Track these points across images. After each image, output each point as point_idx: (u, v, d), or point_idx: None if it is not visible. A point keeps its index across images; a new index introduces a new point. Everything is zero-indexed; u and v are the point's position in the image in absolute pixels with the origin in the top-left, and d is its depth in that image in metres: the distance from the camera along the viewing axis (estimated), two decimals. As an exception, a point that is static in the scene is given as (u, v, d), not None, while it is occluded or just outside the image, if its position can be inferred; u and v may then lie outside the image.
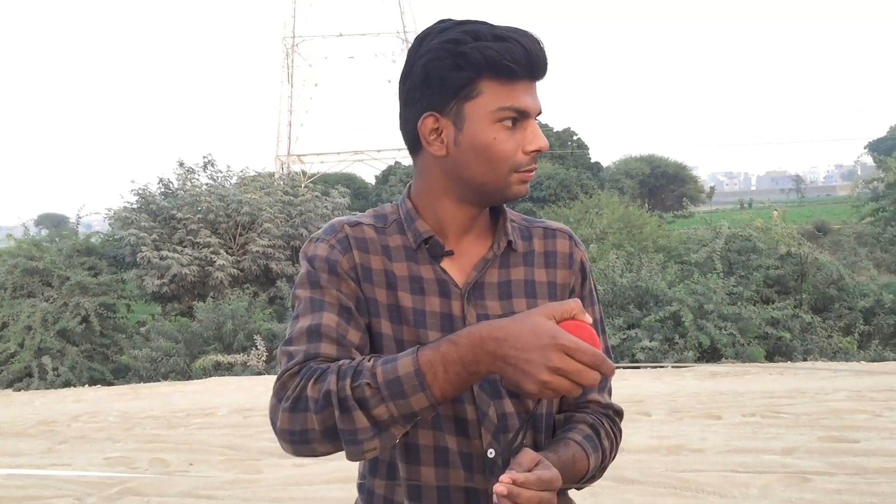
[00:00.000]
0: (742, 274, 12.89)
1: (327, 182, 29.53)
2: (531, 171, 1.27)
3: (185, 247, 17.83)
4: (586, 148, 45.79)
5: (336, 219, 1.36)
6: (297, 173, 25.52)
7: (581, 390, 1.06)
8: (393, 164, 40.46)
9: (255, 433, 6.23)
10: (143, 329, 15.87)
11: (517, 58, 1.20)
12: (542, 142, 1.25)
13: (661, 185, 47.45)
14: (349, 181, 39.42)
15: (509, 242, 1.34)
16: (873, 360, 9.86)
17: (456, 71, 1.21)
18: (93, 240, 18.75)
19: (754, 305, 11.85)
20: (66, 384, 13.58)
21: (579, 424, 1.33)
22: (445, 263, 1.31)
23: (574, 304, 1.09)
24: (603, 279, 12.83)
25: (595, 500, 4.07)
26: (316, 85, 54.62)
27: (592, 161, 44.94)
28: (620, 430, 1.40)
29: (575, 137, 45.80)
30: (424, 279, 1.29)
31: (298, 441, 1.14)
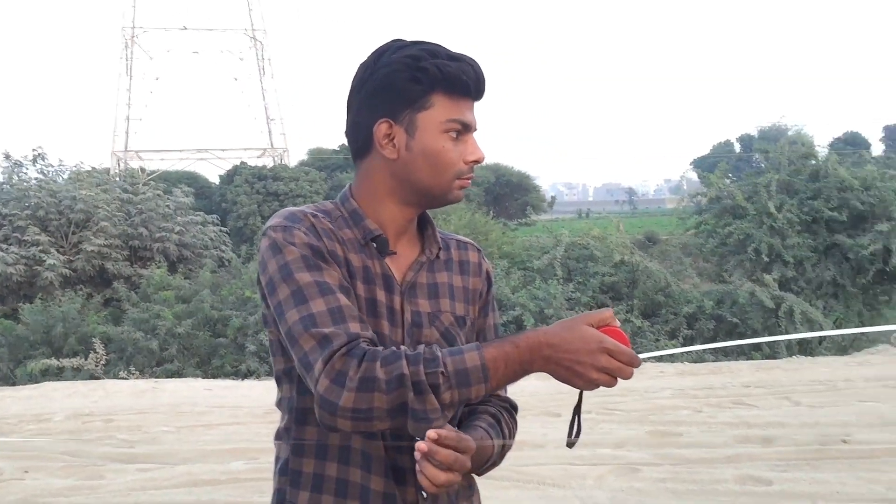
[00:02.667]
0: (580, 280, 13.58)
1: (168, 180, 28.35)
2: (469, 178, 1.43)
3: (10, 244, 16.60)
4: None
5: (291, 208, 1.44)
6: (136, 170, 24.38)
7: (616, 384, 1.25)
8: (238, 163, 39.37)
9: (95, 438, 5.95)
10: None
11: (469, 78, 1.37)
12: (481, 154, 1.42)
13: (506, 193, 48.88)
14: (192, 180, 37.99)
15: (439, 249, 1.50)
16: (695, 362, 10.66)
17: (413, 83, 1.36)
18: None
19: (590, 310, 12.48)
20: None
21: (483, 415, 1.50)
22: (387, 261, 1.44)
23: (608, 312, 1.28)
24: (450, 284, 13.07)
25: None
26: (157, 79, 52.33)
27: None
28: (516, 422, 1.59)
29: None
30: (374, 272, 1.41)
31: (362, 418, 1.23)
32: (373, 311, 1.38)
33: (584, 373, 1.23)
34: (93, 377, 11.41)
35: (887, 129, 74.18)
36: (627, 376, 1.25)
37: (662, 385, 7.72)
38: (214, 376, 11.73)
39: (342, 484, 1.38)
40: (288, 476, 1.42)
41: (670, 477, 4.58)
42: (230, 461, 5.14)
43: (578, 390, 1.31)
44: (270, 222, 1.41)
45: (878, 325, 14.59)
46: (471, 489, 1.51)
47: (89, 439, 5.97)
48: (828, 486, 4.33)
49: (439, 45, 1.39)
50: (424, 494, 1.36)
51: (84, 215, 17.45)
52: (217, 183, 40.74)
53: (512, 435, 1.55)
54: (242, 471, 4.86)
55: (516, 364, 1.25)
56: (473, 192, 42.91)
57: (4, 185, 18.04)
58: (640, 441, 5.40)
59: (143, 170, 23.64)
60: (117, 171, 24.57)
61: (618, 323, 1.28)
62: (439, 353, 1.24)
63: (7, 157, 18.75)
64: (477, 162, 1.42)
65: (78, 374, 11.99)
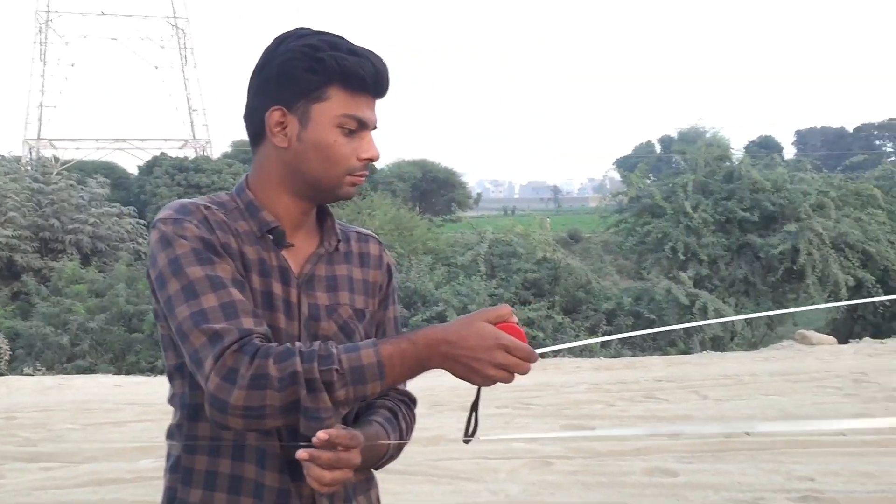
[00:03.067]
0: (503, 277, 13.72)
1: (84, 170, 27.43)
2: (362, 176, 1.40)
3: None
4: (361, 150, 46.08)
5: (182, 200, 1.39)
6: (48, 159, 23.47)
7: (513, 380, 1.25)
8: (159, 154, 38.38)
9: (-6, 438, 5.72)
10: None
11: (367, 73, 1.34)
12: (376, 152, 1.39)
13: (432, 189, 48.98)
14: (109, 170, 36.76)
15: (338, 242, 1.48)
16: (612, 357, 10.90)
17: (310, 74, 1.32)
18: None
19: (513, 306, 12.62)
20: None
21: (380, 409, 1.48)
22: (284, 253, 1.41)
23: (506, 309, 1.27)
24: (373, 279, 13.03)
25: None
26: (73, 65, 50.46)
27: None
28: (415, 416, 1.58)
29: (350, 138, 46.01)
30: (270, 265, 1.38)
31: (254, 416, 1.21)
32: (269, 304, 1.36)
33: (480, 369, 1.23)
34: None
35: (799, 133, 77.29)
36: (524, 371, 1.25)
37: (578, 380, 7.86)
38: (129, 372, 11.42)
39: (236, 480, 1.35)
40: (179, 474, 1.39)
41: (582, 470, 4.67)
42: (138, 459, 5.01)
43: (476, 387, 1.30)
44: (160, 214, 1.37)
45: (787, 322, 15.21)
46: (369, 483, 1.51)
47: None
48: (730, 476, 4.48)
49: (342, 38, 1.35)
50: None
51: (-11, 205, 16.73)
52: (136, 174, 39.60)
53: (410, 429, 1.54)
54: (149, 469, 4.74)
55: (413, 361, 1.25)
56: (399, 188, 42.88)
57: None
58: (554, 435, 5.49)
59: (56, 159, 22.77)
60: (29, 159, 23.56)
61: (515, 319, 1.29)
62: (334, 350, 1.23)
63: None
64: (370, 160, 1.39)
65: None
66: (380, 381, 1.24)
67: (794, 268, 14.36)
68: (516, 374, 1.25)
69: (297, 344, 1.26)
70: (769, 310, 14.86)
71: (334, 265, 1.47)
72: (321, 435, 1.19)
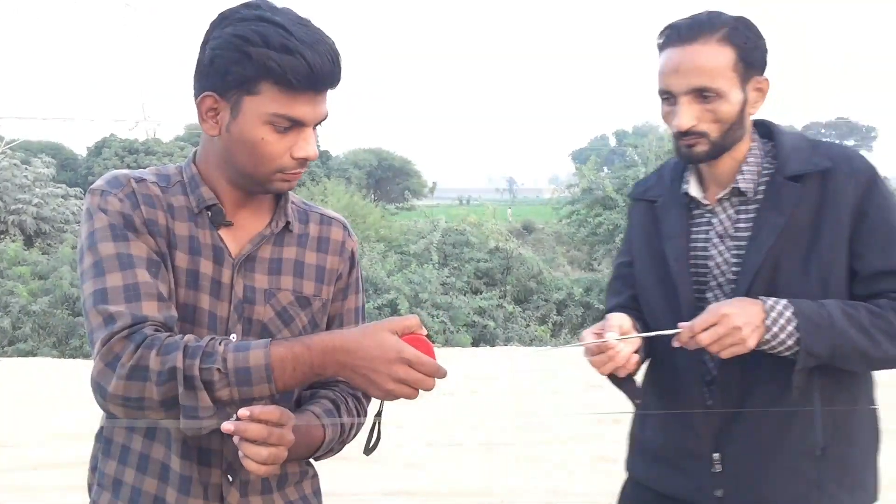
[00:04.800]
0: (455, 265, 13.76)
1: (29, 150, 26.71)
2: (295, 174, 1.31)
3: None
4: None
5: (118, 171, 1.35)
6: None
7: (417, 396, 1.18)
8: (108, 136, 37.57)
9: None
10: None
11: (298, 73, 1.21)
12: (311, 151, 1.29)
13: (388, 177, 48.85)
14: (55, 150, 35.91)
15: (287, 223, 1.40)
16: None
17: (239, 66, 1.22)
18: None
19: (465, 295, 12.70)
20: None
21: (322, 399, 1.42)
22: (223, 232, 1.35)
23: (413, 320, 1.20)
24: (325, 266, 12.95)
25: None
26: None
27: (321, 149, 45.13)
28: (364, 410, 1.49)
29: (305, 124, 45.62)
30: (202, 243, 1.32)
31: (133, 407, 1.17)
32: (193, 283, 1.31)
33: (379, 382, 1.16)
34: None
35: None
36: (428, 387, 1.18)
37: (527, 368, 7.93)
38: (73, 356, 11.18)
39: (144, 459, 1.33)
40: (101, 444, 1.38)
41: (525, 454, 4.71)
42: (77, 444, 4.93)
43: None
44: (93, 185, 1.32)
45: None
46: (303, 474, 1.46)
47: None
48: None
49: (279, 27, 1.22)
50: (230, 478, 1.32)
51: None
52: (84, 155, 38.74)
53: (355, 424, 1.47)
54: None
55: (306, 367, 1.18)
56: (354, 175, 42.67)
57: None
58: (502, 421, 5.53)
59: (0, 138, 22.15)
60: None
61: (424, 331, 1.22)
62: (220, 348, 1.17)
63: None
64: (305, 160, 1.29)
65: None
66: (267, 384, 1.17)
67: None
68: (422, 389, 1.18)
69: (188, 337, 1.20)
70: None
71: (283, 247, 1.40)
72: (242, 412, 1.16)
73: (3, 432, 5.26)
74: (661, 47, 1.54)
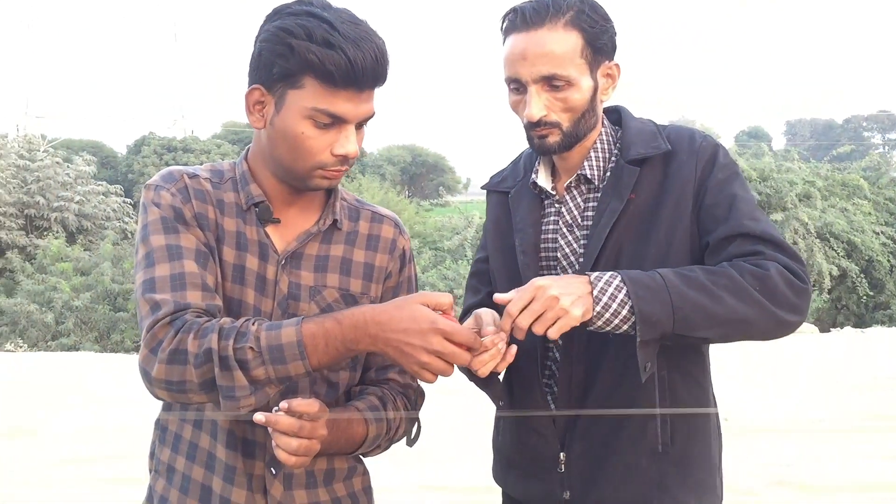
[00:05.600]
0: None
1: (70, 148, 27.21)
2: (336, 171, 1.30)
3: None
4: (351, 132, 45.90)
5: (173, 167, 1.37)
6: (34, 136, 23.24)
7: (453, 370, 1.16)
8: (147, 133, 38.12)
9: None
10: None
11: (338, 68, 1.20)
12: (351, 149, 1.28)
13: (422, 173, 48.94)
14: (96, 148, 36.52)
15: (335, 221, 1.39)
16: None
17: (283, 60, 1.23)
18: None
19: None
20: None
21: (368, 396, 1.40)
22: (271, 229, 1.36)
23: (447, 298, 1.18)
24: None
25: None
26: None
27: (357, 146, 45.28)
28: (416, 408, 1.47)
29: (340, 121, 45.84)
30: (249, 239, 1.34)
31: (176, 390, 1.19)
32: (239, 278, 1.32)
33: (413, 354, 1.14)
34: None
35: (789, 123, 77.66)
36: (463, 361, 1.17)
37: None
38: (114, 351, 11.40)
39: (193, 448, 1.36)
40: (159, 431, 1.42)
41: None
42: (117, 439, 5.01)
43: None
44: (149, 180, 1.37)
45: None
46: (351, 471, 1.45)
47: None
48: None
49: (325, 23, 1.22)
50: (273, 471, 1.33)
51: (-25, 182, 16.60)
52: (123, 153, 39.38)
53: (403, 422, 1.45)
54: (127, 449, 4.75)
55: (338, 342, 1.17)
56: (389, 171, 42.83)
57: None
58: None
59: (43, 136, 22.59)
60: (16, 136, 23.33)
61: (454, 313, 1.19)
62: (253, 328, 1.18)
63: None
64: (345, 157, 1.29)
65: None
66: (301, 360, 1.17)
67: (779, 257, 14.44)
68: (456, 363, 1.16)
69: (225, 320, 1.21)
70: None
71: (331, 245, 1.40)
72: (282, 405, 1.18)
73: (44, 425, 5.38)
74: (506, 32, 1.45)
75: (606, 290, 1.28)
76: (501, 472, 1.62)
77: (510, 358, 1.31)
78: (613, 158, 1.50)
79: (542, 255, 1.53)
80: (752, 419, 5.45)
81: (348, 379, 1.41)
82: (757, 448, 4.79)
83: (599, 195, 1.48)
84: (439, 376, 1.18)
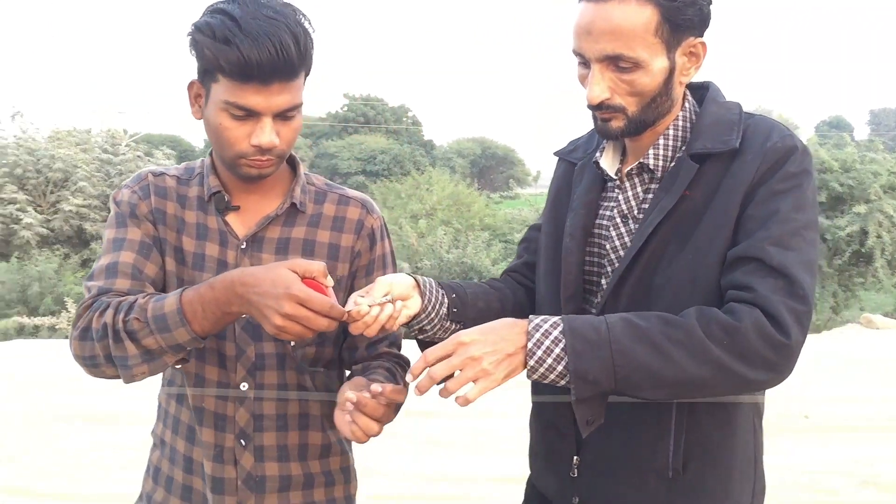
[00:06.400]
0: (560, 254, 13.63)
1: (151, 142, 28.08)
2: (258, 161, 1.33)
3: (-14, 202, 16.45)
4: (420, 125, 46.32)
5: (146, 168, 1.48)
6: (117, 130, 24.09)
7: (312, 335, 1.19)
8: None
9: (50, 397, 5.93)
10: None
11: (232, 64, 1.24)
12: (265, 139, 1.29)
13: (492, 166, 48.86)
14: (175, 143, 37.67)
15: (293, 204, 1.43)
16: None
17: (198, 57, 1.30)
18: None
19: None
20: None
21: (378, 368, 1.44)
22: (232, 216, 1.42)
23: (318, 266, 1.20)
24: (430, 254, 13.12)
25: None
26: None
27: (426, 139, 45.57)
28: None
29: (410, 114, 46.22)
30: (209, 228, 1.42)
31: (90, 365, 1.29)
32: (199, 265, 1.40)
33: (269, 316, 1.17)
34: (67, 337, 11.37)
35: (873, 113, 74.78)
36: (320, 326, 1.18)
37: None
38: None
39: (176, 421, 1.46)
40: (158, 407, 1.53)
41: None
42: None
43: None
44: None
45: (852, 306, 14.78)
46: (326, 449, 1.49)
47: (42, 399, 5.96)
48: (788, 457, 4.41)
49: (230, 19, 1.24)
50: (243, 443, 1.40)
51: (62, 174, 17.30)
52: (200, 147, 40.44)
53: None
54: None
55: (213, 305, 1.21)
56: (459, 164, 42.89)
57: (-19, 142, 17.80)
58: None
59: (125, 131, 23.38)
60: (100, 130, 24.24)
61: (330, 282, 1.22)
62: (142, 301, 1.25)
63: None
64: (259, 148, 1.31)
65: (54, 332, 11.96)
66: (183, 327, 1.21)
67: (863, 250, 13.94)
68: (312, 329, 1.18)
69: (125, 297, 1.28)
70: (834, 294, 14.47)
71: (293, 227, 1.44)
72: (375, 388, 1.21)
73: (128, 409, 5.56)
74: None
75: (542, 343, 1.15)
76: (530, 457, 1.56)
77: (392, 325, 1.28)
78: (683, 147, 1.33)
79: (594, 240, 1.40)
80: (833, 417, 5.29)
81: (325, 354, 1.46)
82: (838, 447, 4.65)
83: (657, 187, 1.33)
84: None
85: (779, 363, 1.15)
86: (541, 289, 1.48)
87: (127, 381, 1.27)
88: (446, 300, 1.39)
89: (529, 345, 1.15)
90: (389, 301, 1.29)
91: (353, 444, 1.50)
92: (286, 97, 1.29)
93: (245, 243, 1.40)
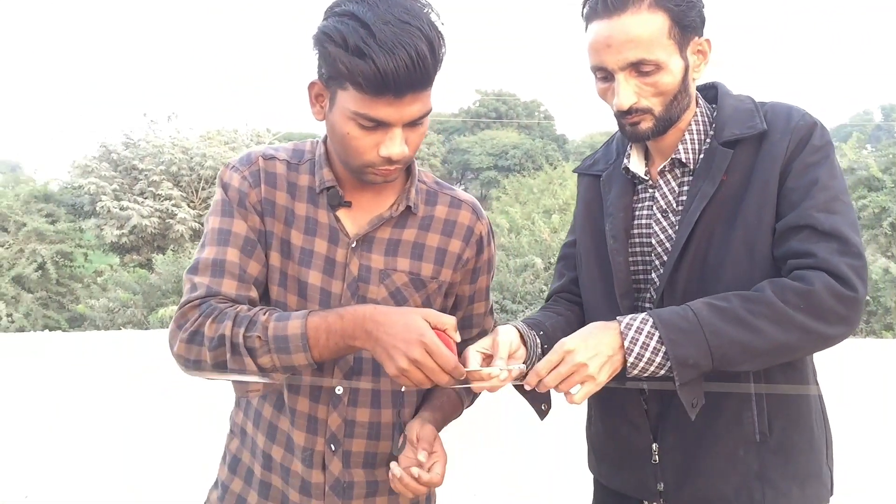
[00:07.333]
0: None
1: (291, 139, 29.15)
2: (385, 171, 1.30)
3: (145, 198, 17.62)
4: (553, 120, 45.92)
5: (254, 148, 1.44)
6: (262, 130, 25.23)
7: (430, 384, 1.19)
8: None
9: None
10: (100, 279, 15.72)
11: (367, 79, 1.18)
12: (395, 151, 1.26)
13: (625, 160, 47.70)
14: (315, 139, 38.89)
15: (408, 206, 1.41)
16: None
17: (326, 64, 1.24)
18: (51, 187, 18.41)
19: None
20: (20, 330, 13.45)
21: (440, 401, 1.47)
22: (343, 212, 1.39)
23: (449, 320, 1.21)
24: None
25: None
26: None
27: (558, 133, 45.13)
28: None
29: (542, 108, 45.91)
30: (319, 223, 1.38)
31: (193, 367, 1.28)
32: (307, 261, 1.37)
33: (395, 357, 1.17)
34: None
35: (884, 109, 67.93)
36: (441, 381, 1.18)
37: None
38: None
39: (258, 415, 1.44)
40: (240, 408, 1.50)
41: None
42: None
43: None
44: (230, 160, 1.44)
45: None
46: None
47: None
48: None
49: (363, 27, 1.18)
50: (333, 448, 1.39)
51: (213, 172, 18.27)
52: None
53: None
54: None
55: (338, 336, 1.21)
56: (591, 159, 42.04)
57: (141, 142, 19.06)
58: None
59: (268, 130, 24.42)
60: (246, 130, 25.46)
61: (457, 336, 1.22)
62: (263, 318, 1.24)
63: (144, 115, 19.77)
64: (389, 160, 1.27)
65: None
66: (304, 352, 1.22)
67: None
68: (434, 381, 1.18)
69: (242, 308, 1.27)
70: None
71: (404, 229, 1.41)
72: (394, 471, 1.29)
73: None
74: (588, 19, 1.40)
75: (638, 339, 1.25)
76: (595, 462, 1.62)
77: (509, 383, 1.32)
78: (708, 139, 1.44)
79: (635, 240, 1.50)
80: None
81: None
82: None
83: (692, 178, 1.43)
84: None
85: (850, 316, 1.26)
86: (590, 296, 1.57)
87: (240, 395, 1.30)
88: (538, 340, 1.44)
89: (626, 343, 1.25)
90: (521, 365, 1.32)
91: None
92: (418, 107, 1.25)
93: (355, 242, 1.38)
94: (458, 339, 1.22)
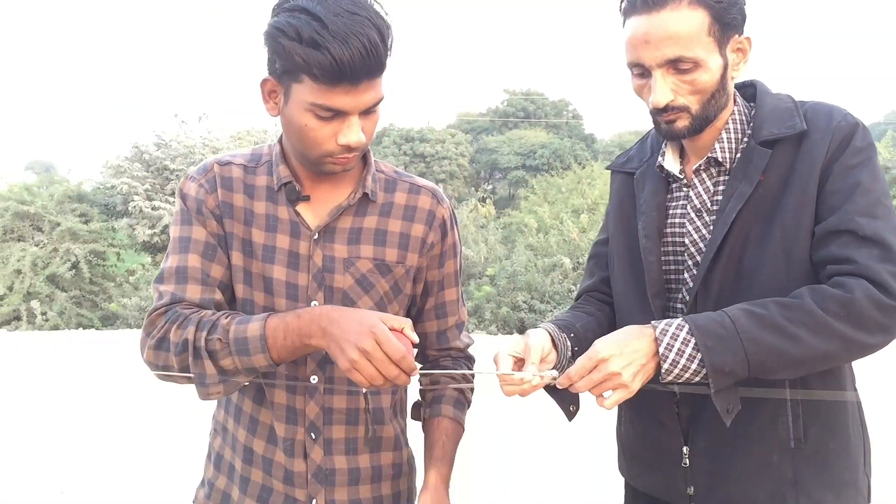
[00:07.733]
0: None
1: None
2: (344, 158, 1.33)
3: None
4: (581, 119, 45.70)
5: (211, 157, 1.48)
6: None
7: (382, 381, 1.20)
8: (388, 125, 40.23)
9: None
10: (132, 278, 15.90)
11: (323, 69, 1.21)
12: (353, 139, 1.29)
13: (654, 159, 47.33)
14: (343, 141, 38.96)
15: (365, 194, 1.43)
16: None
17: (280, 58, 1.26)
18: (84, 187, 18.66)
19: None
20: (54, 329, 13.66)
21: (446, 401, 1.51)
22: (302, 206, 1.41)
23: (406, 320, 1.23)
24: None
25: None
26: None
27: (587, 132, 44.91)
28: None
29: (570, 108, 45.71)
30: (279, 219, 1.40)
31: (162, 372, 1.32)
32: (270, 257, 1.39)
33: (346, 349, 1.18)
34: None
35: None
36: (390, 374, 1.18)
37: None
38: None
39: (238, 410, 1.46)
40: (221, 406, 1.53)
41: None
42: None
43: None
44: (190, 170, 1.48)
45: None
46: (398, 442, 1.52)
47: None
48: None
49: (315, 20, 1.21)
50: (313, 436, 1.41)
51: (243, 172, 18.39)
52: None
53: (471, 390, 1.58)
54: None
55: (295, 335, 1.24)
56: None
57: (172, 142, 19.25)
58: None
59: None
60: (275, 130, 25.63)
61: (413, 337, 1.23)
62: (224, 321, 1.27)
63: (175, 115, 19.96)
64: (348, 147, 1.30)
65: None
66: (262, 353, 1.24)
67: None
68: (384, 374, 1.18)
69: (206, 313, 1.31)
70: None
71: (365, 217, 1.44)
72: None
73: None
74: (626, 14, 1.37)
75: (673, 346, 1.23)
76: (625, 463, 1.60)
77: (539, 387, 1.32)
78: (745, 139, 1.41)
79: (668, 239, 1.47)
80: None
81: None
82: None
83: (728, 178, 1.41)
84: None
85: (891, 325, 1.23)
86: (621, 295, 1.55)
87: (202, 399, 1.30)
88: (569, 342, 1.43)
89: (661, 350, 1.23)
90: (553, 371, 1.31)
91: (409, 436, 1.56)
92: (372, 94, 1.28)
93: (317, 234, 1.40)
94: (416, 340, 1.24)
